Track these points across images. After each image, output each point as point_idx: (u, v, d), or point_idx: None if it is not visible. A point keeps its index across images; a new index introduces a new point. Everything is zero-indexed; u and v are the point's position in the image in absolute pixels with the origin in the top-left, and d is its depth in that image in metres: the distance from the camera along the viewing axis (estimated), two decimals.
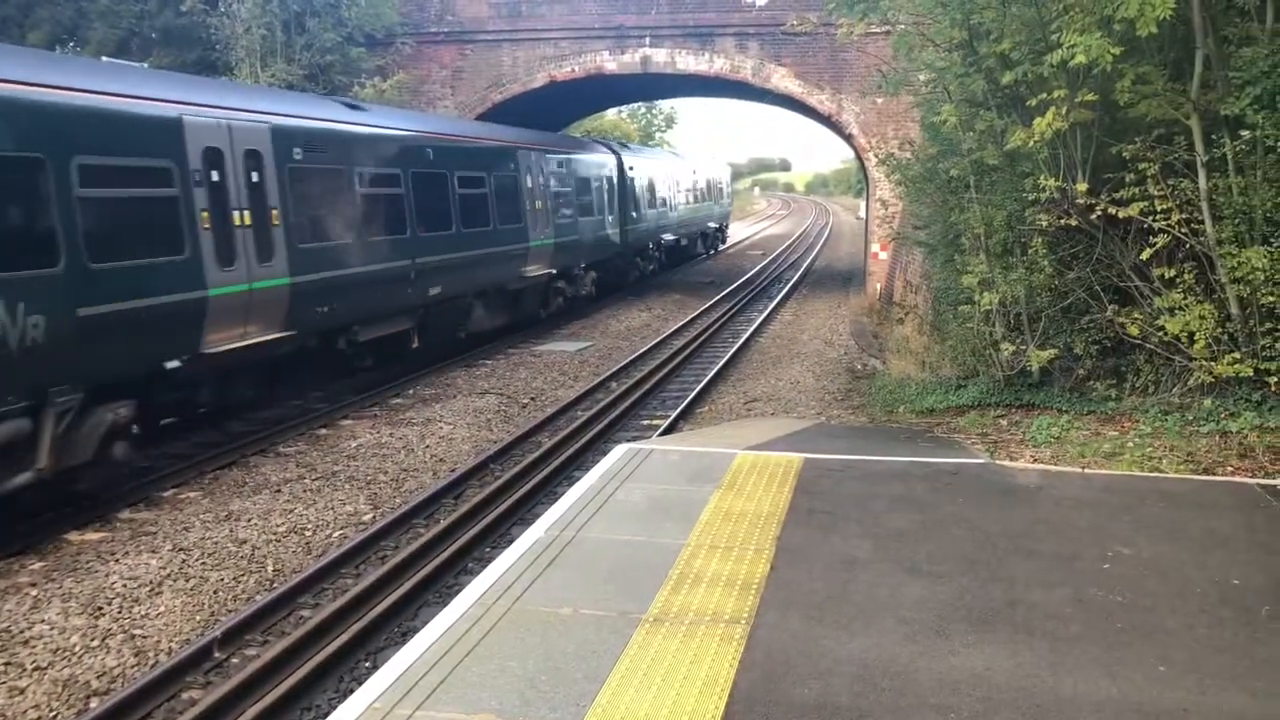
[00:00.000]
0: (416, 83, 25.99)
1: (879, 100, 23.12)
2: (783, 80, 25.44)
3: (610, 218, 28.40)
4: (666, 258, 37.07)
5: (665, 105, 74.94)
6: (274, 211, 12.97)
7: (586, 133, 43.46)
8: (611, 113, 60.13)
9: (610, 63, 26.00)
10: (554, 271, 23.19)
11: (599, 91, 31.98)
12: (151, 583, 8.48)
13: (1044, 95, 10.03)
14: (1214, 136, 9.71)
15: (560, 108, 33.05)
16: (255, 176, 12.66)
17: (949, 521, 7.23)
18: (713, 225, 47.63)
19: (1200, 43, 9.62)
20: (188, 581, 8.59)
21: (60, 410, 9.58)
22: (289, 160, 13.37)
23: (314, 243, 13.86)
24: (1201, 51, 9.63)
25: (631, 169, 31.17)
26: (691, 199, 42.09)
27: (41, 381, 9.35)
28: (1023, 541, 6.79)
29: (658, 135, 74.43)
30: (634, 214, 31.06)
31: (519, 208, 21.28)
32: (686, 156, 45.83)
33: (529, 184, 21.90)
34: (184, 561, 8.96)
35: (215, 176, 11.90)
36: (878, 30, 15.29)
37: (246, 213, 12.41)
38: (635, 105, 68.07)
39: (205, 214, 11.67)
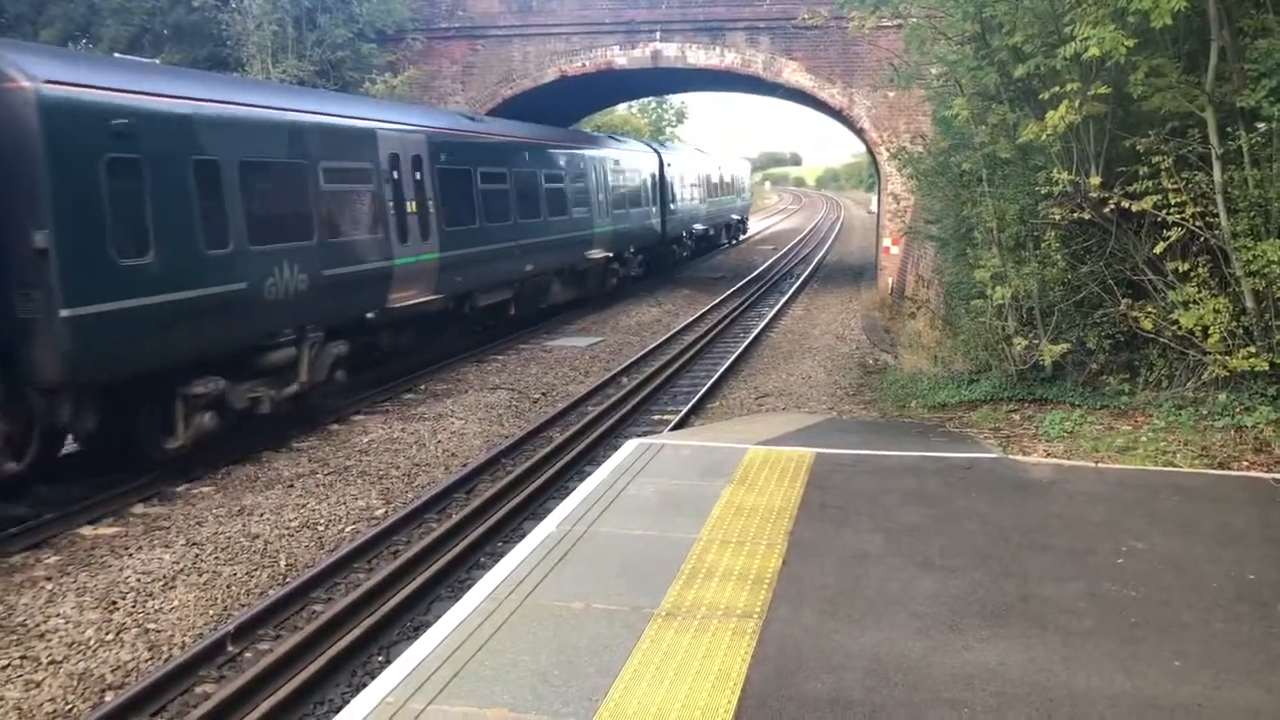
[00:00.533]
0: (427, 78, 26.03)
1: (891, 94, 23.06)
2: (794, 74, 25.38)
3: (653, 209, 32.43)
4: (697, 245, 41.02)
5: (675, 100, 74.84)
6: (430, 202, 16.68)
7: (597, 128, 44.66)
8: (622, 107, 60.15)
9: (621, 57, 25.99)
10: (611, 255, 26.95)
11: (609, 86, 31.98)
12: (165, 577, 8.51)
13: (1057, 88, 9.96)
14: (1229, 129, 9.64)
15: (570, 103, 33.06)
16: (418, 175, 16.39)
17: (961, 516, 7.21)
18: (735, 217, 51.88)
19: (1215, 34, 9.55)
20: (201, 576, 8.62)
21: (311, 343, 13.30)
22: (438, 162, 17.14)
23: (453, 227, 17.54)
24: (1216, 43, 9.55)
25: (669, 166, 34.98)
26: (718, 193, 46.10)
27: (302, 321, 13.05)
28: (1036, 536, 6.77)
29: (668, 130, 74.34)
30: (672, 206, 34.85)
31: (587, 200, 25.47)
32: (712, 153, 49.90)
33: (594, 180, 26.05)
34: (197, 556, 9.00)
35: (395, 175, 15.64)
36: (889, 24, 15.24)
37: (414, 203, 16.12)
38: (645, 100, 68.02)
39: (391, 204, 15.37)
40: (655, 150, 34.60)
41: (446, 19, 26.26)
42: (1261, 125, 9.22)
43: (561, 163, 24.04)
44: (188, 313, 11.03)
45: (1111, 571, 6.14)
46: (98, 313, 9.82)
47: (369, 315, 14.77)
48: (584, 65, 26.13)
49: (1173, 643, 5.19)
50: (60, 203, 9.53)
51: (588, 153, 26.34)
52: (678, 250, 37.23)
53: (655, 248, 32.89)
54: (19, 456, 9.70)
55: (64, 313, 9.44)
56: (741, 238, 54.87)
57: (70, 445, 11.50)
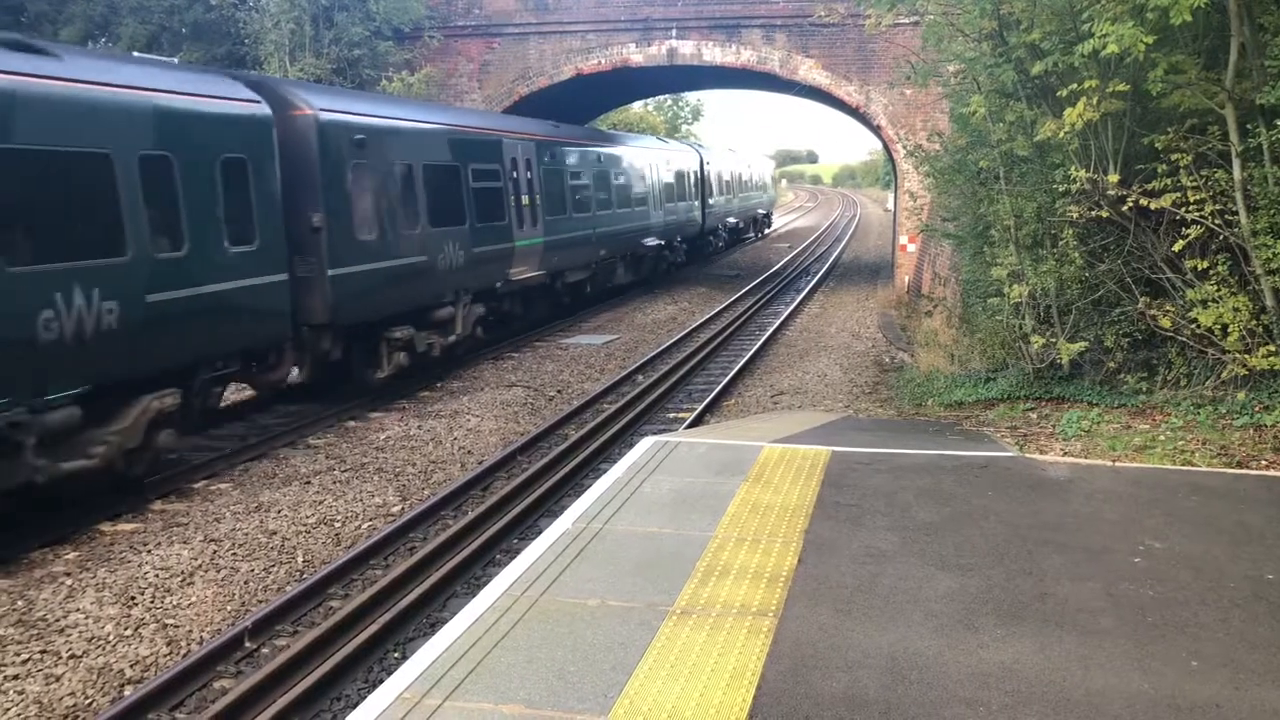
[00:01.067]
0: (444, 76, 26.11)
1: (907, 91, 22.98)
2: (810, 72, 25.33)
3: (695, 204, 36.66)
4: (730, 237, 44.97)
5: (691, 97, 74.75)
6: (537, 196, 20.66)
7: (612, 125, 45.68)
8: (637, 105, 60.12)
9: (636, 55, 26.00)
10: (663, 243, 30.85)
11: (625, 84, 32.01)
12: (183, 573, 8.57)
13: (1075, 85, 9.92)
14: (1249, 126, 9.57)
15: (586, 100, 33.10)
16: (529, 175, 20.39)
17: (978, 514, 7.19)
18: (761, 211, 56.41)
19: (1236, 31, 9.48)
20: (219, 572, 8.68)
21: (463, 304, 17.10)
22: (541, 164, 21.13)
23: (551, 217, 21.41)
24: (1237, 40, 9.48)
25: (708, 164, 39.14)
26: (747, 189, 50.27)
27: (458, 287, 16.94)
28: (1052, 535, 6.75)
29: (684, 128, 74.29)
30: (710, 201, 39.06)
31: (645, 196, 29.58)
32: (741, 153, 54.40)
33: (651, 178, 30.22)
34: (215, 552, 9.05)
35: (514, 175, 19.57)
36: (906, 21, 15.23)
37: (526, 197, 20.10)
38: (661, 97, 67.93)
39: (512, 197, 19.33)
40: (697, 151, 38.83)
41: (463, 17, 26.33)
42: None
43: (626, 163, 28.08)
44: (394, 277, 14.98)
45: (1128, 571, 6.11)
46: (347, 273, 13.71)
47: (497, 285, 18.80)
48: (600, 63, 26.16)
49: (1190, 642, 5.16)
50: (326, 194, 13.35)
51: (646, 154, 30.60)
52: (714, 241, 41.06)
53: (696, 238, 36.93)
54: (301, 370, 14.02)
55: (330, 272, 13.33)
56: (766, 231, 58.73)
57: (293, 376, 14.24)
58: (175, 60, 14.99)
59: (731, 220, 44.30)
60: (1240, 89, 9.50)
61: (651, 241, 29.44)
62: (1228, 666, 4.91)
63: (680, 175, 34.29)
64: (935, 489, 7.82)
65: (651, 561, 6.41)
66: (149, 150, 10.35)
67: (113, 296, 9.64)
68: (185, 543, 9.23)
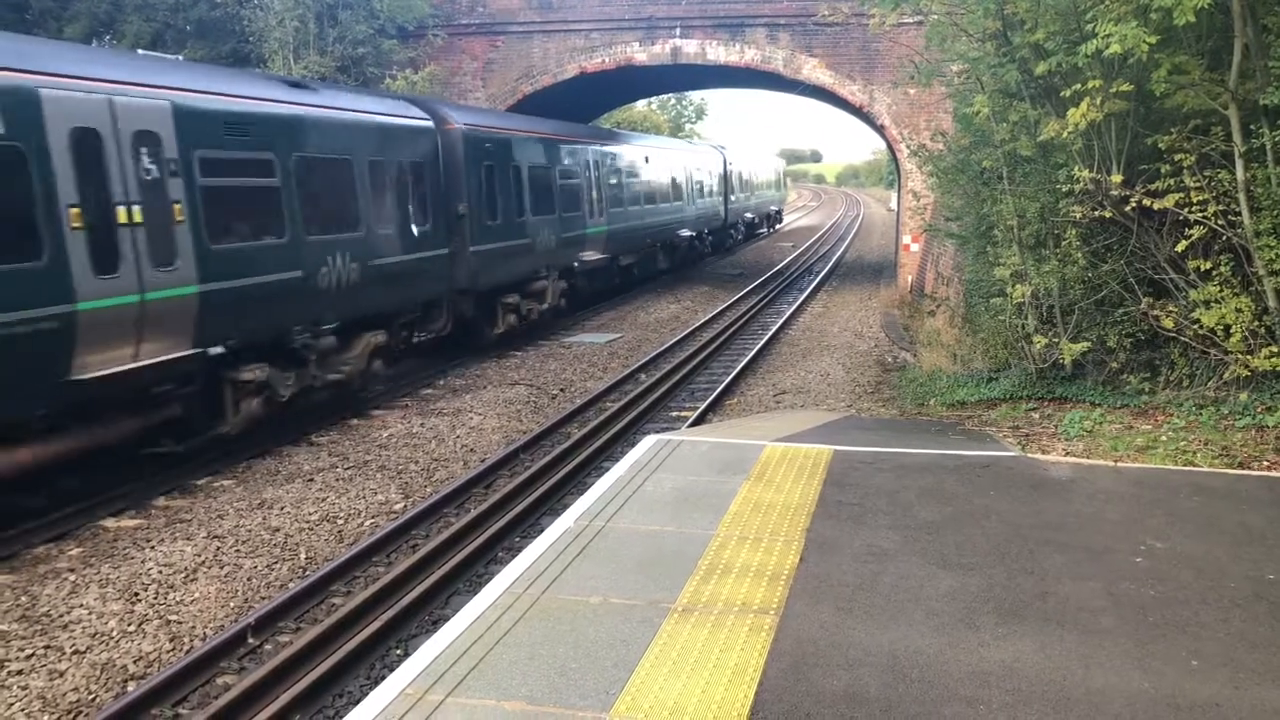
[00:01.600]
0: (448, 74, 26.12)
1: (911, 91, 22.97)
2: (814, 71, 25.32)
3: (720, 200, 41.03)
4: (747, 230, 49.67)
5: (695, 96, 74.78)
6: (602, 192, 24.86)
7: (616, 124, 46.76)
8: (641, 104, 60.12)
9: (640, 54, 25.99)
10: (694, 234, 35.22)
11: (628, 83, 32.00)
12: (186, 569, 8.59)
13: (1078, 86, 9.92)
14: (1252, 127, 9.57)
15: (589, 99, 33.11)
16: (597, 174, 24.58)
17: (979, 514, 7.20)
18: (774, 208, 61.14)
19: (1239, 31, 9.48)
20: (222, 568, 8.70)
21: (551, 279, 21.14)
22: (604, 164, 25.36)
23: (613, 209, 25.77)
24: (1240, 40, 9.49)
25: (730, 165, 43.56)
26: (762, 187, 54.57)
27: (549, 264, 21.06)
28: (1054, 534, 6.76)
29: (688, 127, 74.32)
30: (731, 198, 43.57)
31: (681, 192, 33.89)
32: (758, 153, 60.27)
33: (685, 176, 34.49)
34: (218, 549, 9.08)
35: (587, 173, 23.97)
36: (909, 21, 15.23)
37: (594, 192, 24.35)
38: (665, 96, 67.93)
39: (585, 192, 23.66)
40: (721, 152, 42.80)
41: (467, 15, 26.33)
42: None
43: (666, 164, 32.17)
44: (510, 254, 19.22)
45: (1130, 571, 6.12)
46: (481, 250, 17.89)
47: (574, 264, 22.82)
48: (604, 62, 26.15)
49: (1191, 642, 5.18)
50: (468, 189, 17.47)
51: (682, 155, 35.17)
52: (734, 234, 45.69)
53: (719, 231, 41.24)
54: (447, 325, 17.42)
55: (471, 249, 17.50)
56: (778, 226, 63.54)
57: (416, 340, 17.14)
58: (382, 90, 20.89)
59: (749, 215, 49.23)
60: (1244, 90, 9.50)
61: (685, 232, 33.97)
62: (1228, 666, 4.92)
63: (708, 174, 38.78)
64: (937, 488, 7.83)
65: (653, 559, 6.43)
66: (372, 156, 14.48)
67: (354, 260, 13.80)
68: (188, 539, 9.26)
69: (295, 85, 13.60)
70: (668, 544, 6.71)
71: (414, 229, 15.47)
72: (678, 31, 25.73)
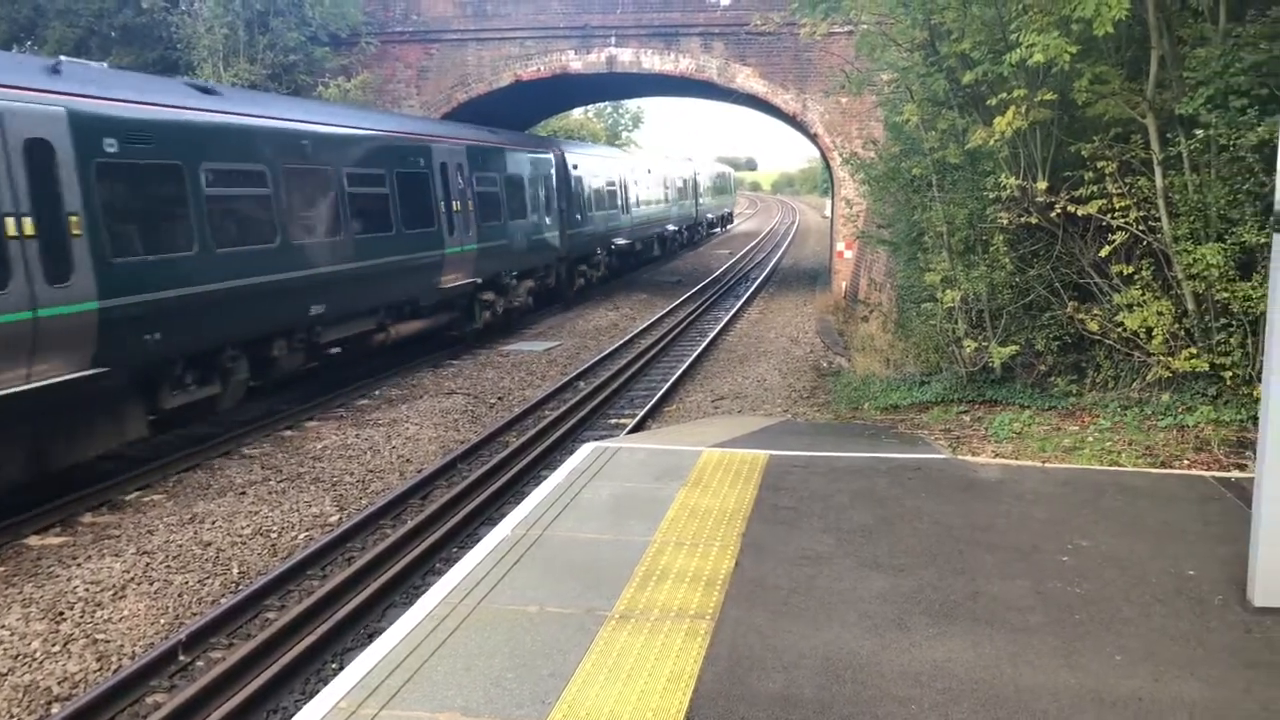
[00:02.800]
0: (381, 82, 25.91)
1: (843, 100, 23.27)
2: (748, 80, 25.54)
3: (691, 202, 51.93)
4: (709, 227, 62.43)
5: (632, 105, 75.11)
6: (628, 194, 34.91)
7: (553, 132, 48.49)
8: (578, 112, 60.07)
9: (576, 62, 26.02)
10: (676, 229, 46.31)
11: (565, 91, 32.02)
12: (114, 586, 8.41)
13: (1004, 94, 10.13)
14: (1169, 135, 9.85)
15: (526, 107, 33.03)
16: (622, 183, 33.85)
17: (911, 516, 7.31)
18: (727, 209, 75.73)
19: (1155, 43, 9.76)
20: (151, 585, 8.53)
21: (603, 255, 31.73)
22: (621, 175, 34.40)
23: (636, 207, 36.00)
24: (1157, 52, 9.76)
25: (698, 174, 56.30)
26: (719, 193, 67.84)
27: (601, 246, 31.34)
28: (984, 535, 6.88)
29: (624, 135, 74.53)
30: (698, 201, 55.13)
31: (666, 195, 43.91)
32: (714, 164, 74.71)
33: (670, 184, 45.03)
34: (148, 565, 8.90)
35: (622, 183, 34.29)
36: (840, 30, 15.43)
37: (621, 196, 33.87)
38: (601, 104, 68.05)
39: (618, 196, 33.39)
40: (691, 163, 56.43)
41: (400, 23, 26.15)
42: (1200, 132, 9.42)
43: (661, 174, 43.25)
44: (586, 236, 28.73)
45: (1057, 569, 6.25)
46: (572, 233, 27.07)
47: (612, 247, 32.48)
48: (539, 70, 26.14)
49: (1115, 637, 5.30)
50: (562, 194, 26.11)
51: (669, 166, 46.95)
52: (702, 230, 58.48)
53: (692, 227, 53.05)
54: (554, 281, 25.73)
55: (566, 231, 26.29)
56: (730, 226, 76.88)
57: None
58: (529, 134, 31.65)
59: (710, 215, 62.19)
60: (1160, 99, 9.78)
61: (671, 227, 45.07)
62: (1150, 660, 5.05)
63: (684, 181, 50.11)
64: (870, 491, 7.94)
65: (591, 567, 6.43)
66: (530, 174, 23.76)
67: (525, 235, 23.26)
68: (117, 555, 9.07)
69: (537, 140, 28.36)
70: (605, 551, 6.71)
71: (546, 218, 25.07)
72: (613, 40, 25.81)
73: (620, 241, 33.22)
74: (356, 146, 16.20)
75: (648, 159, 42.69)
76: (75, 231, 10.32)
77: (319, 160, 14.90)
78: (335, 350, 16.04)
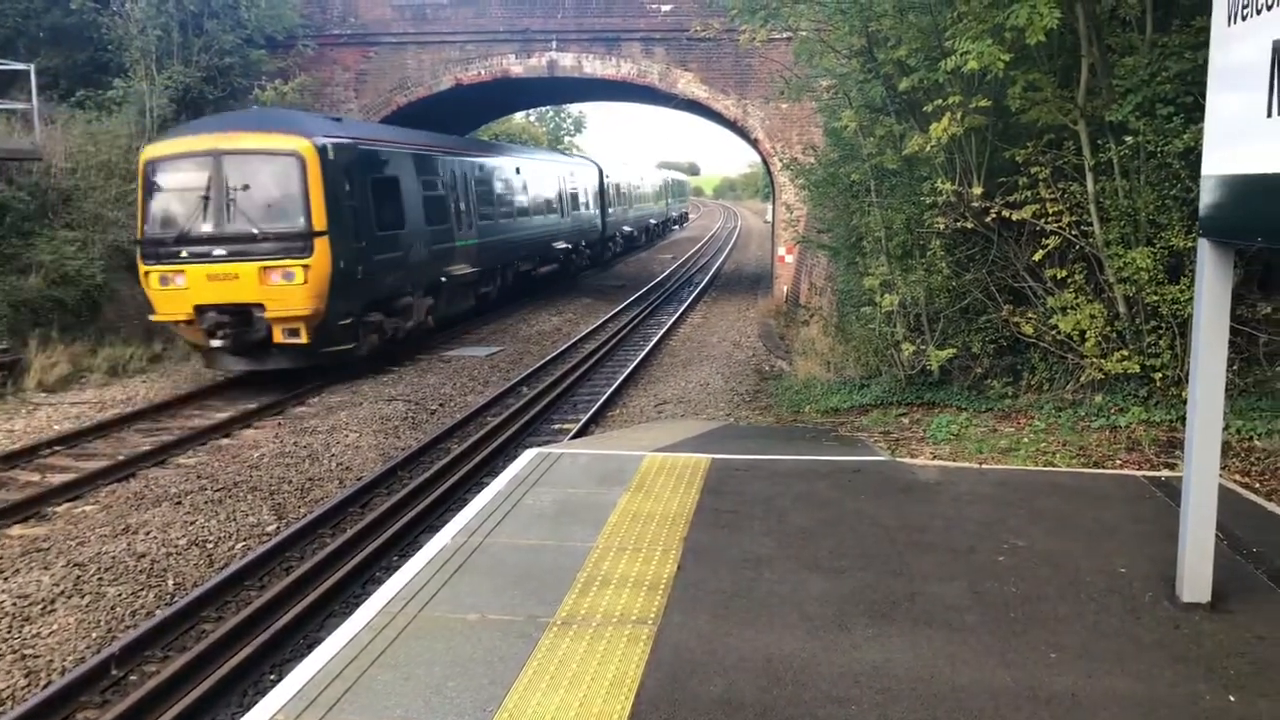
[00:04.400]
0: (319, 85, 25.63)
1: (783, 105, 23.46)
2: (689, 85, 25.65)
3: (665, 202, 69.54)
4: (673, 222, 76.77)
5: (574, 109, 75.19)
6: (628, 195, 51.86)
7: (495, 136, 49.28)
8: (520, 116, 59.95)
9: (516, 66, 25.95)
10: (656, 223, 61.81)
11: (506, 94, 31.91)
12: (44, 600, 8.22)
13: (940, 101, 10.27)
14: (1100, 142, 10.05)
15: (468, 110, 32.91)
16: (625, 186, 50.73)
17: (851, 518, 7.38)
18: (684, 209, 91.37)
19: (1086, 51, 9.95)
20: (83, 598, 8.35)
21: (636, 231, 53.90)
22: (618, 183, 48.33)
23: (634, 205, 53.51)
24: (1087, 60, 9.96)
25: (667, 181, 74.04)
26: (679, 195, 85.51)
27: (619, 230, 47.85)
28: (922, 536, 6.96)
29: (566, 139, 74.58)
30: (668, 201, 72.17)
31: (651, 196, 60.95)
32: (678, 172, 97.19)
33: (649, 186, 60.65)
34: (79, 577, 8.71)
35: (631, 186, 54.38)
36: (780, 37, 15.53)
37: (628, 193, 51.56)
38: (544, 109, 67.99)
39: (629, 195, 52.14)
40: (664, 170, 79.56)
41: (338, 25, 25.89)
42: (1129, 139, 9.63)
43: (648, 180, 60.98)
44: (613, 221, 45.14)
45: (993, 569, 6.35)
46: (608, 219, 44.16)
47: (624, 228, 48.15)
48: (480, 74, 26.03)
49: (1049, 635, 5.39)
50: (602, 197, 42.46)
51: (652, 172, 66.95)
52: (670, 224, 73.84)
53: (665, 223, 69.46)
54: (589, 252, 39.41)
55: (604, 218, 42.83)
56: (686, 224, 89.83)
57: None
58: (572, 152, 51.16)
59: (673, 214, 76.54)
60: (1091, 106, 9.97)
61: (654, 221, 60.63)
62: (1084, 657, 5.14)
63: (661, 184, 68.48)
64: (811, 494, 8.00)
65: (532, 573, 6.40)
66: (584, 184, 39.00)
67: (585, 220, 38.47)
68: (46, 568, 8.86)
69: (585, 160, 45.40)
70: (547, 558, 6.69)
71: (593, 209, 39.87)
72: (554, 44, 25.78)
73: (627, 229, 49.96)
74: (550, 172, 34.16)
75: (643, 170, 63.74)
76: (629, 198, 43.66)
77: (536, 177, 31.50)
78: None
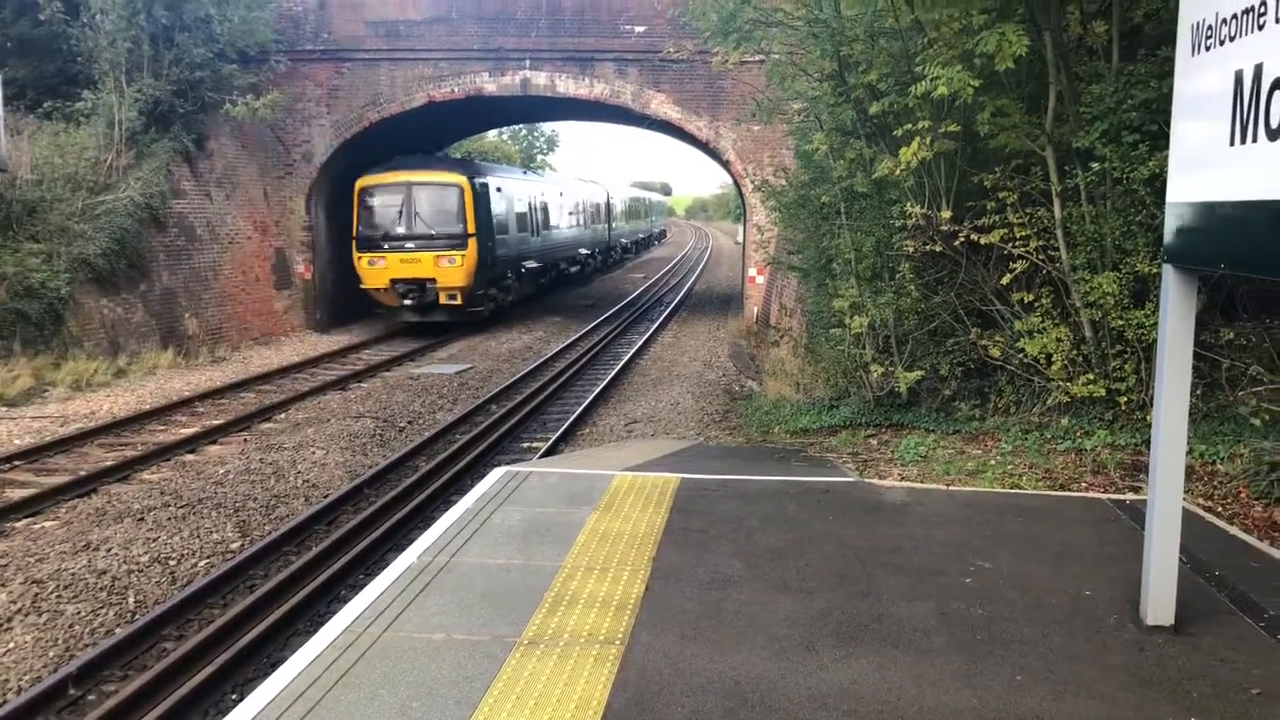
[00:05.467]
0: (291, 100, 25.48)
1: (755, 128, 23.57)
2: (661, 106, 25.74)
3: (651, 219, 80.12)
4: (657, 238, 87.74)
5: (546, 128, 75.43)
6: (636, 214, 71.27)
7: (467, 154, 48.23)
8: (493, 134, 60.00)
9: (490, 84, 25.94)
10: (643, 235, 73.16)
11: (480, 112, 31.93)
12: (0, 619, 8.06)
13: (910, 125, 10.37)
14: (1067, 168, 10.18)
15: (441, 127, 32.90)
16: (639, 206, 73.65)
17: (819, 539, 7.38)
18: (664, 225, 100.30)
19: (1054, 79, 10.10)
20: (41, 616, 8.21)
21: (626, 242, 64.87)
22: (626, 202, 66.10)
23: (645, 218, 76.07)
24: (1055, 87, 10.10)
25: (655, 200, 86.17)
26: (660, 213, 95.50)
27: (627, 240, 64.49)
28: (889, 557, 6.98)
29: (539, 158, 74.74)
30: (653, 218, 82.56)
31: (649, 213, 78.75)
32: (655, 195, 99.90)
33: (649, 205, 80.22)
34: (37, 595, 8.57)
35: (643, 204, 79.34)
36: (752, 59, 15.65)
37: (636, 213, 72.04)
38: (517, 127, 68.09)
39: (639, 213, 75.59)
40: (654, 193, 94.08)
41: (311, 41, 25.79)
42: (1095, 165, 9.77)
43: (649, 200, 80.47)
44: (613, 233, 56.10)
45: (960, 591, 6.36)
46: (611, 231, 55.30)
47: (622, 241, 60.15)
48: (453, 91, 25.99)
49: (1015, 658, 5.41)
50: (613, 213, 56.14)
51: (651, 195, 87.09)
52: (654, 237, 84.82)
53: (649, 235, 79.54)
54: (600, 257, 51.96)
55: (610, 231, 54.07)
56: (665, 239, 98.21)
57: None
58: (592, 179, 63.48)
59: (656, 230, 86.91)
60: (1059, 133, 10.11)
61: (642, 235, 72.08)
62: (1049, 680, 5.16)
63: (657, 204, 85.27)
64: (780, 514, 8.00)
65: (499, 593, 6.36)
66: (597, 204, 49.56)
67: (594, 231, 47.99)
68: (3, 585, 8.71)
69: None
70: (514, 577, 6.65)
71: (603, 223, 49.97)
72: (527, 63, 25.80)
73: (624, 240, 60.60)
74: (577, 194, 44.85)
75: (634, 193, 74.46)
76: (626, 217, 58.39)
77: (568, 198, 42.50)
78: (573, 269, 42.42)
